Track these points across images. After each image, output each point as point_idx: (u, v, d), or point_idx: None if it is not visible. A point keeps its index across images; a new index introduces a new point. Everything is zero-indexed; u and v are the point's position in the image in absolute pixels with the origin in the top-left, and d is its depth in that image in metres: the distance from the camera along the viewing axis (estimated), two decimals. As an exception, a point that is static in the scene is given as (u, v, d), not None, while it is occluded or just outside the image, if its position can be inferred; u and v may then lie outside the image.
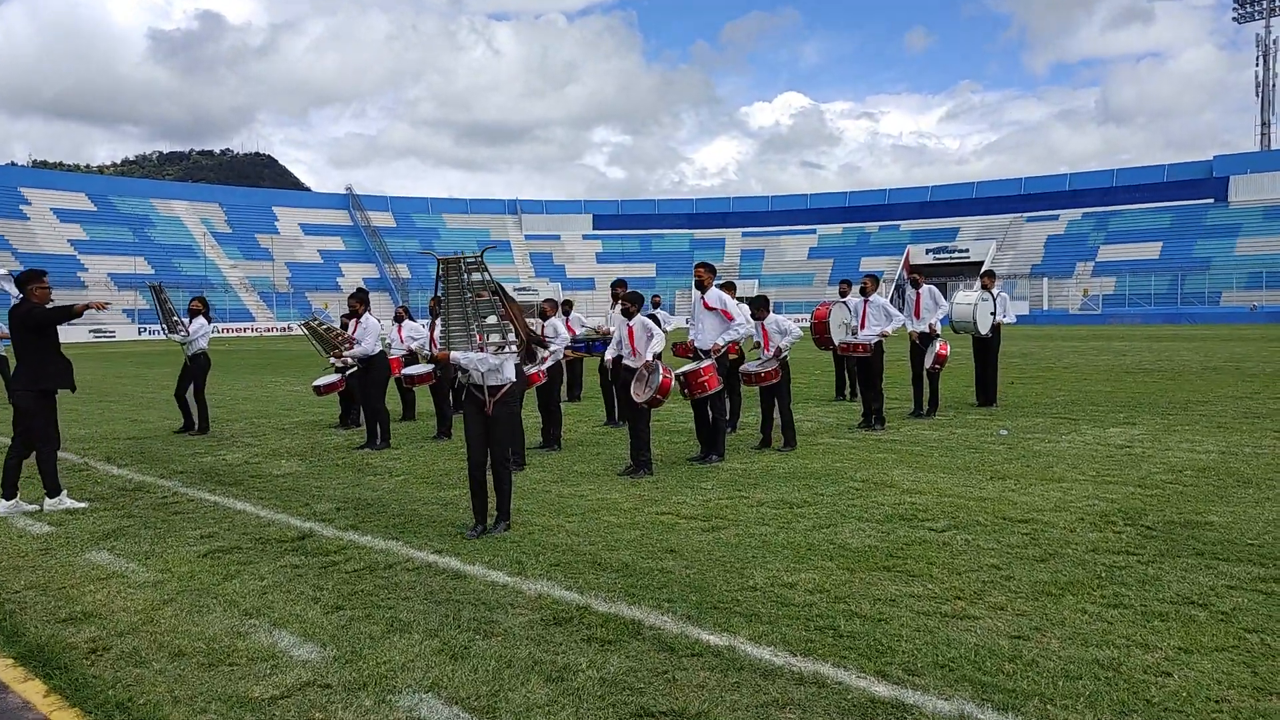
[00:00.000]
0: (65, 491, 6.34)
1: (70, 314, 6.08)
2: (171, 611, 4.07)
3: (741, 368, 8.33)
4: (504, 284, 5.05)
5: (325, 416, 11.48)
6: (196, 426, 10.07)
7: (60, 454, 8.61)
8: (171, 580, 4.54)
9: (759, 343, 8.40)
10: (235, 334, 56.63)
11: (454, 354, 5.19)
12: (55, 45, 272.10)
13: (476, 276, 4.81)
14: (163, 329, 10.31)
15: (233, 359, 27.54)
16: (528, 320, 5.42)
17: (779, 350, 8.10)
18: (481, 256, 4.81)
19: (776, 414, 8.15)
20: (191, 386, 10.13)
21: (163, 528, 5.66)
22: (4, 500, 6.18)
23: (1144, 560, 4.51)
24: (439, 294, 5.13)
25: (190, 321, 10.14)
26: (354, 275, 69.37)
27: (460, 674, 3.32)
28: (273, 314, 62.12)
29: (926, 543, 4.90)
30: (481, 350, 5.04)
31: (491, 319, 4.94)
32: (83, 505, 6.28)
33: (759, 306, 8.33)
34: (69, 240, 62.36)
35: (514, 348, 5.03)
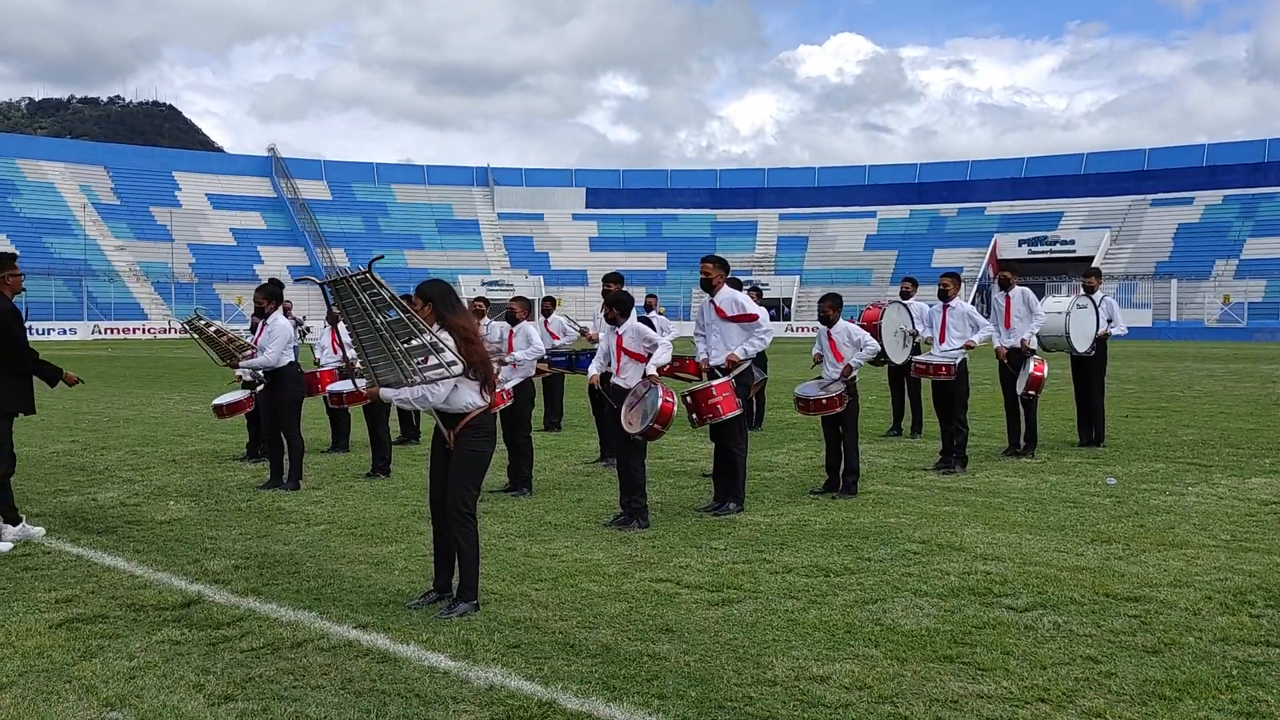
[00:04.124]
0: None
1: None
2: (11, 700, 4.05)
3: (797, 390, 8.34)
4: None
5: (229, 445, 11.50)
6: None
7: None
8: (14, 658, 4.53)
9: (820, 356, 8.43)
10: (121, 335, 56.91)
11: (384, 391, 5.23)
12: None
13: (368, 296, 4.86)
14: None
15: (115, 368, 27.65)
16: (480, 328, 5.41)
17: (848, 369, 8.12)
18: (370, 271, 4.85)
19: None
20: None
21: (7, 589, 5.66)
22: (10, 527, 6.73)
23: (1288, 654, 4.47)
24: (334, 308, 5.17)
25: None
26: (276, 262, 69.79)
27: (381, 790, 3.30)
28: (171, 311, 62.37)
29: (1003, 626, 4.87)
30: (414, 381, 5.03)
31: (413, 341, 4.95)
32: (6, 546, 6.60)
33: (830, 307, 8.34)
34: (-91, 211, 62.95)
35: (456, 369, 5.02)
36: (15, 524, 6.81)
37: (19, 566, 6.14)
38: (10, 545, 6.61)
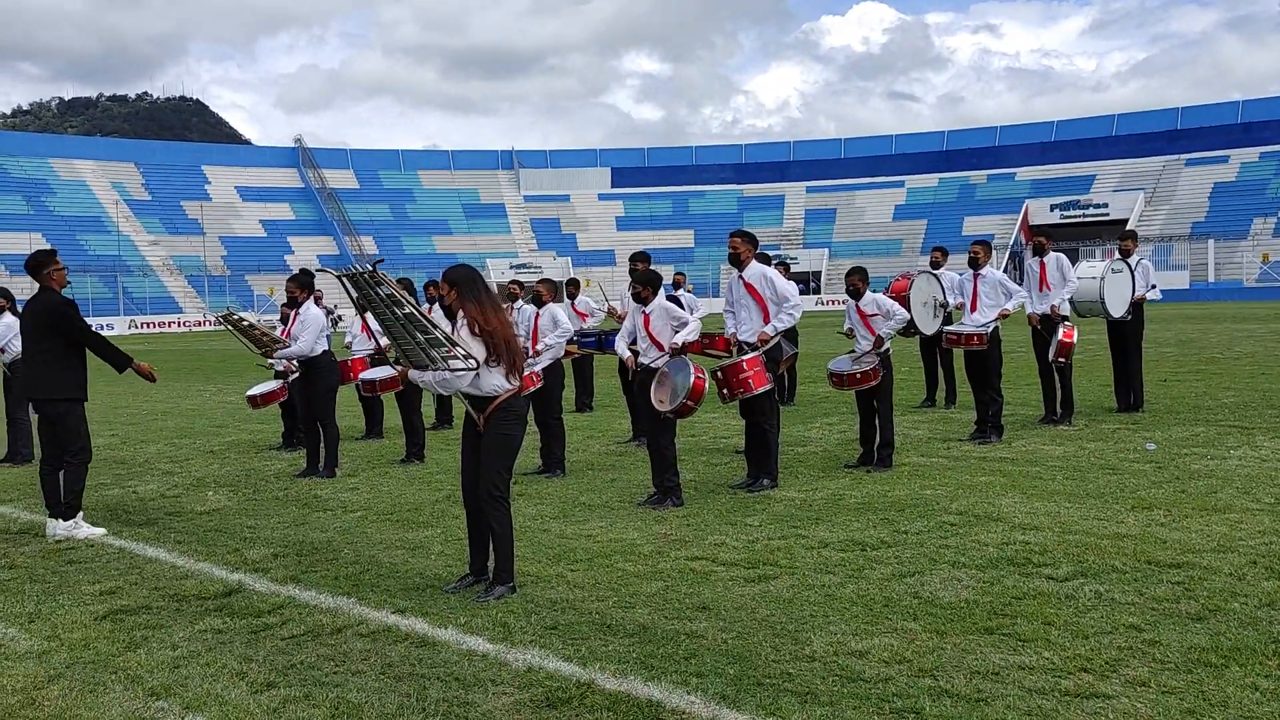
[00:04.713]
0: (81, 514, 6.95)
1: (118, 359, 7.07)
2: (58, 691, 4.12)
3: (830, 365, 8.33)
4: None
5: (265, 435, 11.62)
6: (18, 455, 10.12)
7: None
8: (60, 650, 4.61)
9: (850, 330, 8.41)
10: (156, 329, 57.67)
11: (412, 373, 5.29)
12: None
13: (384, 291, 4.94)
14: None
15: (152, 361, 27.98)
16: (512, 312, 5.43)
17: (879, 340, 8.08)
18: (375, 270, 4.94)
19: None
20: (7, 404, 10.19)
21: (53, 582, 5.76)
22: (61, 520, 6.83)
23: (1339, 618, 4.38)
24: (357, 306, 5.27)
25: None
26: (306, 251, 70.31)
27: (423, 773, 3.32)
28: (204, 303, 63.14)
29: (1043, 595, 4.83)
30: (438, 366, 5.07)
31: (429, 334, 4.99)
32: (100, 531, 6.87)
33: (858, 279, 8.38)
34: (-54, 214, 63.95)
35: (473, 361, 5.03)
36: (68, 519, 6.87)
37: (63, 560, 6.25)
38: (101, 531, 6.84)
